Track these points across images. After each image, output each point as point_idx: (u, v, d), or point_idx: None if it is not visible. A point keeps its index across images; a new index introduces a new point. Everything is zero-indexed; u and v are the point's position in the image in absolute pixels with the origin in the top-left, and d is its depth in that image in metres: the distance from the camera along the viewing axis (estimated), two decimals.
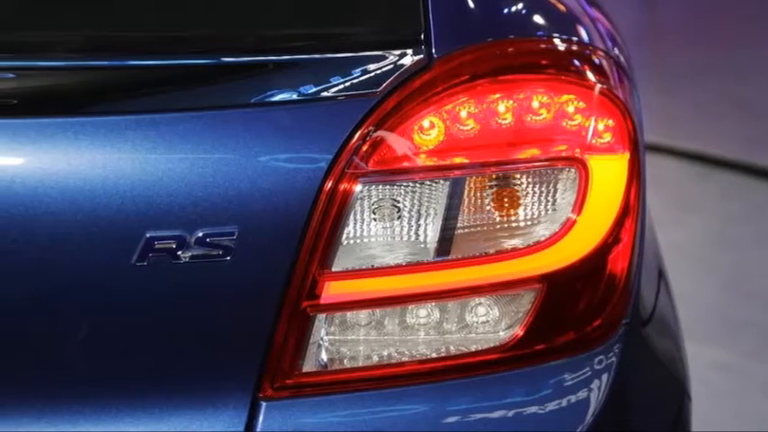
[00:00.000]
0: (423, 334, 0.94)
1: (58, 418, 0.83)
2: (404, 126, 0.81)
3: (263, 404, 0.84)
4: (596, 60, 0.92)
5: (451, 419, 0.90)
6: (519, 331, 0.86)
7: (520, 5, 1.00)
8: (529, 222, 0.85)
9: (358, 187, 0.81)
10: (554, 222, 0.84)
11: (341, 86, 0.82)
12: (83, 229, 0.78)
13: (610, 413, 0.91)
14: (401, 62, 0.82)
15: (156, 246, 0.76)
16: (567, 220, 0.84)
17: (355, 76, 0.82)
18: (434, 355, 0.93)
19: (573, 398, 0.90)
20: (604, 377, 0.91)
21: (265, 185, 0.78)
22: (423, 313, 0.90)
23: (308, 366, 0.86)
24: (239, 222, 0.77)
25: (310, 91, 0.81)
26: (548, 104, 0.83)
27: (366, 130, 0.80)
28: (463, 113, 0.82)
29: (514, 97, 0.82)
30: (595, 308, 0.89)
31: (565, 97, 0.84)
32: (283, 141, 0.81)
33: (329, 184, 0.80)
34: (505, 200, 0.84)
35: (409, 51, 0.82)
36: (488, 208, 0.85)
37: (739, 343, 2.71)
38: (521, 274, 0.85)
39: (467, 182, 0.83)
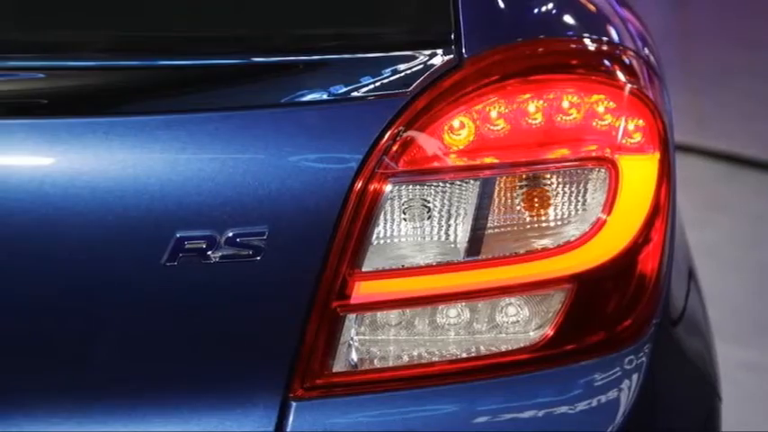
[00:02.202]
0: (453, 334, 0.94)
1: (88, 417, 0.84)
2: (434, 126, 0.81)
3: (294, 404, 0.84)
4: (626, 60, 0.92)
5: (482, 419, 0.90)
6: (549, 331, 0.86)
7: (550, 5, 1.00)
8: (559, 222, 0.84)
9: (388, 187, 0.81)
10: (584, 222, 0.84)
11: (371, 86, 0.82)
12: (113, 230, 0.78)
13: (640, 413, 0.91)
14: (431, 62, 0.82)
15: (187, 246, 0.77)
16: (598, 220, 0.84)
17: (385, 75, 0.82)
18: (465, 355, 0.93)
19: (603, 398, 0.89)
20: (635, 377, 0.90)
21: (295, 185, 0.78)
22: (453, 313, 0.90)
23: (339, 366, 0.86)
24: (269, 222, 0.78)
25: (340, 91, 0.82)
26: (578, 104, 0.83)
27: (396, 130, 0.80)
28: (493, 113, 0.81)
29: (544, 97, 0.82)
30: (626, 308, 0.89)
31: (595, 97, 0.83)
32: (313, 141, 0.81)
33: (359, 184, 0.80)
34: (535, 200, 0.84)
35: (439, 51, 0.82)
36: (518, 208, 0.84)
37: None
38: (551, 274, 0.85)
39: (497, 182, 0.83)
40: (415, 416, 0.93)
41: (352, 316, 0.85)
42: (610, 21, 0.98)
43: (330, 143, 0.82)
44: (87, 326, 0.84)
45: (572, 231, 0.85)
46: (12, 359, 0.83)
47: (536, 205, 0.85)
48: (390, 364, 0.91)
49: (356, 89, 0.82)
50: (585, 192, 0.85)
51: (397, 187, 0.82)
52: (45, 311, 0.82)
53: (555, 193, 0.84)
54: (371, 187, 0.79)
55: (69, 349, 0.85)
